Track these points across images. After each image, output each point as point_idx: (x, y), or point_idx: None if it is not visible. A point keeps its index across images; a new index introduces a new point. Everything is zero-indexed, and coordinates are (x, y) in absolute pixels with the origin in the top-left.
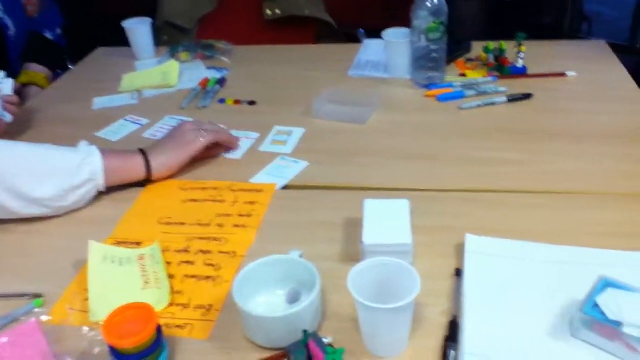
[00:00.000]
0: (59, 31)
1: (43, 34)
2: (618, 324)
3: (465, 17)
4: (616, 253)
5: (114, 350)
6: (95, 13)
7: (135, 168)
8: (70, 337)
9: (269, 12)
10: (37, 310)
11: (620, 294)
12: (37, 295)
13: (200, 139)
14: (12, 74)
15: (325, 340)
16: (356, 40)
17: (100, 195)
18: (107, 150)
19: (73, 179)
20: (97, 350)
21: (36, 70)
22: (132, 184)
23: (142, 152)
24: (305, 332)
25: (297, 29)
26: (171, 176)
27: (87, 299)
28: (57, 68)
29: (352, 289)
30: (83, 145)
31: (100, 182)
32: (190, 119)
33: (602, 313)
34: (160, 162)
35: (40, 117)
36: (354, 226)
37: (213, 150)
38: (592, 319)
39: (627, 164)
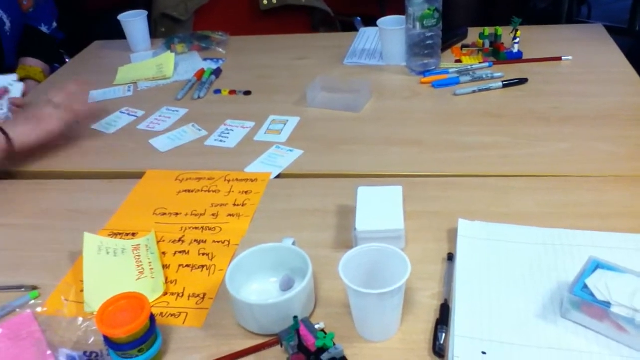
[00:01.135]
0: (55, 25)
1: (39, 28)
2: (607, 305)
3: (458, 2)
4: (606, 235)
5: (108, 340)
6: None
7: None
8: (65, 328)
9: (265, 2)
10: (32, 302)
11: (609, 275)
12: (33, 287)
13: (57, 119)
14: (9, 68)
15: (317, 326)
16: (353, 28)
17: (95, 187)
18: None
19: None
20: (91, 340)
21: (33, 65)
22: (129, 176)
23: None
24: (295, 318)
25: (293, 18)
26: (36, 147)
27: (82, 290)
28: (54, 62)
29: (343, 275)
30: None
31: None
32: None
33: (592, 294)
34: (20, 132)
35: None
36: (347, 213)
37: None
38: (581, 300)
39: (621, 146)
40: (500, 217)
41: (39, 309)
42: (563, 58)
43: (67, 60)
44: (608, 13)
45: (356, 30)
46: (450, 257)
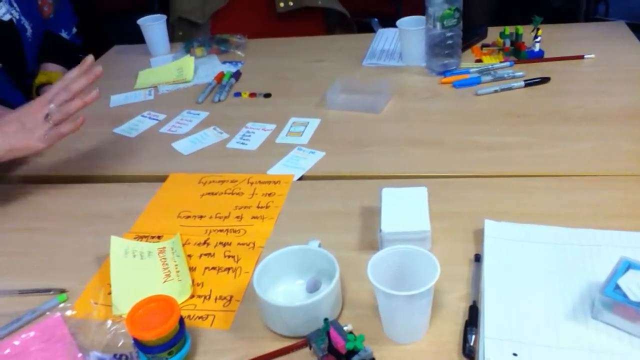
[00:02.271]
0: (74, 30)
1: (59, 33)
2: None
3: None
4: (635, 234)
5: (137, 342)
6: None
7: None
8: (95, 331)
9: (281, 4)
10: (61, 305)
11: None
12: (62, 291)
13: (45, 139)
14: (30, 73)
15: (345, 328)
16: (369, 30)
17: (119, 190)
18: None
19: None
20: (121, 342)
21: (53, 70)
22: (152, 179)
23: None
24: (326, 320)
25: (309, 20)
26: None
27: (109, 293)
28: (74, 67)
29: (371, 276)
30: None
31: None
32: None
33: (624, 295)
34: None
35: None
36: (371, 214)
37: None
38: (614, 301)
39: None
40: (526, 217)
41: (68, 312)
42: (585, 56)
43: None
44: (626, 10)
45: (372, 31)
46: (478, 258)
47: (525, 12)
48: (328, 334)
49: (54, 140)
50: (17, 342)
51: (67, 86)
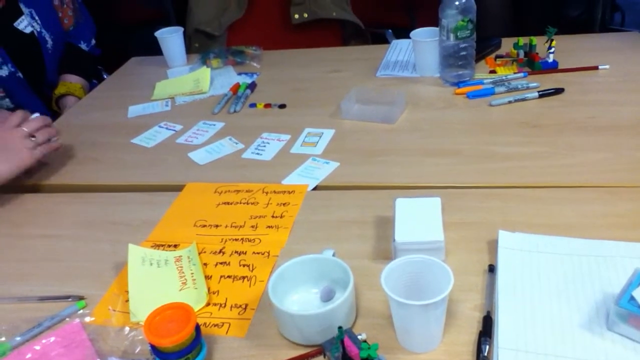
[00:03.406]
0: (93, 42)
1: (78, 45)
2: None
3: (490, 12)
4: None
5: (155, 349)
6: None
7: None
8: (113, 337)
9: (296, 16)
10: (80, 311)
11: None
12: (80, 297)
13: (36, 152)
14: (50, 84)
15: (360, 337)
16: (383, 41)
17: (136, 199)
18: None
19: None
20: (138, 349)
21: (73, 81)
22: (169, 188)
23: None
24: (340, 328)
25: (324, 31)
26: None
27: (127, 300)
28: (93, 78)
29: (385, 286)
30: None
31: None
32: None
33: (639, 306)
34: None
35: (77, 126)
36: (385, 224)
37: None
38: (629, 312)
39: None
40: (541, 228)
41: (87, 319)
42: (600, 67)
43: (104, 76)
44: None
45: (386, 42)
46: (491, 269)
47: (542, 22)
48: (342, 342)
49: (44, 151)
50: (37, 347)
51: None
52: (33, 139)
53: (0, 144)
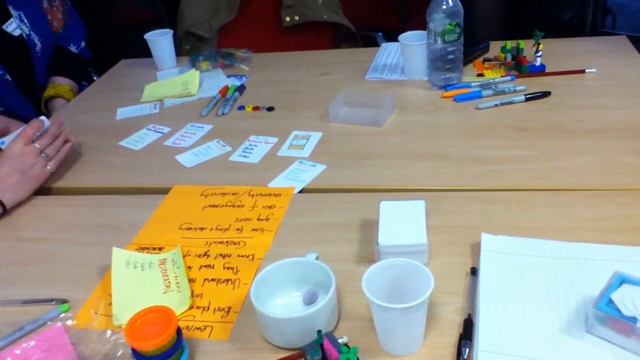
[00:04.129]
0: (83, 44)
1: (68, 47)
2: (633, 320)
3: (483, 15)
4: (632, 249)
5: (135, 353)
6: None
7: None
8: (95, 341)
9: (287, 18)
10: (63, 315)
11: (635, 289)
12: (64, 301)
13: (48, 168)
14: (39, 87)
15: (341, 340)
16: (374, 44)
17: (122, 202)
18: None
19: None
20: (119, 352)
21: (62, 83)
22: (155, 191)
23: None
24: (319, 332)
25: (315, 34)
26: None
27: (110, 304)
28: (82, 80)
29: (366, 289)
30: None
31: None
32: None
33: (617, 309)
34: (9, 200)
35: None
36: (370, 227)
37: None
38: (607, 315)
39: None
40: (524, 231)
41: (69, 322)
42: (586, 70)
43: (94, 78)
44: (633, 23)
45: (377, 45)
46: (474, 272)
47: (535, 26)
48: (321, 346)
49: (56, 165)
50: (18, 351)
51: (40, 129)
52: (45, 154)
53: (17, 166)
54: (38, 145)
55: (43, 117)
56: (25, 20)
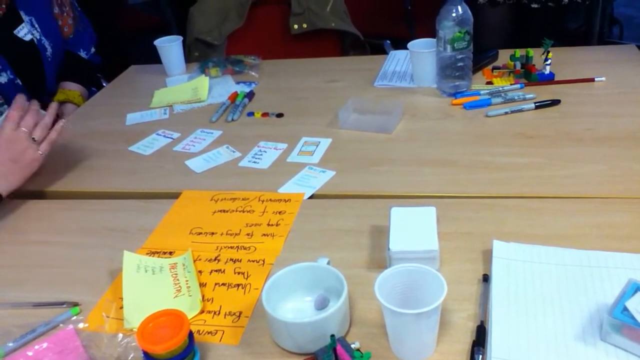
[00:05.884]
0: (93, 50)
1: (78, 53)
2: None
3: (491, 24)
4: None
5: (147, 356)
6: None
7: None
8: (106, 344)
9: (295, 26)
10: (74, 318)
11: None
12: (75, 304)
13: (39, 152)
14: (49, 92)
15: (353, 346)
16: (382, 51)
17: (133, 206)
18: None
19: None
20: (131, 356)
21: (72, 89)
22: (165, 196)
23: None
24: (332, 336)
25: (323, 42)
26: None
27: (121, 307)
28: (92, 86)
29: (379, 294)
30: None
31: None
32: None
33: (632, 317)
34: (4, 188)
35: (76, 133)
36: (380, 233)
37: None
38: (622, 323)
39: None
40: (535, 238)
41: (80, 325)
42: (596, 79)
43: (104, 84)
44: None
45: (384, 52)
46: (486, 279)
47: (542, 35)
48: (335, 350)
49: (48, 148)
50: (30, 353)
51: (23, 107)
52: (34, 137)
53: (8, 155)
54: (25, 129)
55: (22, 95)
56: (37, 26)
